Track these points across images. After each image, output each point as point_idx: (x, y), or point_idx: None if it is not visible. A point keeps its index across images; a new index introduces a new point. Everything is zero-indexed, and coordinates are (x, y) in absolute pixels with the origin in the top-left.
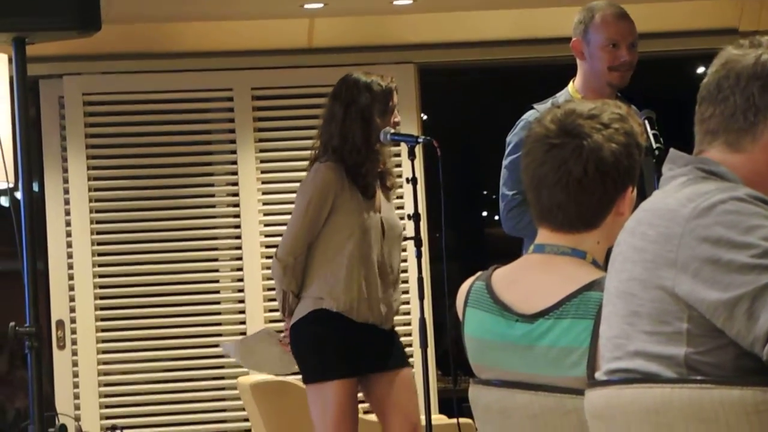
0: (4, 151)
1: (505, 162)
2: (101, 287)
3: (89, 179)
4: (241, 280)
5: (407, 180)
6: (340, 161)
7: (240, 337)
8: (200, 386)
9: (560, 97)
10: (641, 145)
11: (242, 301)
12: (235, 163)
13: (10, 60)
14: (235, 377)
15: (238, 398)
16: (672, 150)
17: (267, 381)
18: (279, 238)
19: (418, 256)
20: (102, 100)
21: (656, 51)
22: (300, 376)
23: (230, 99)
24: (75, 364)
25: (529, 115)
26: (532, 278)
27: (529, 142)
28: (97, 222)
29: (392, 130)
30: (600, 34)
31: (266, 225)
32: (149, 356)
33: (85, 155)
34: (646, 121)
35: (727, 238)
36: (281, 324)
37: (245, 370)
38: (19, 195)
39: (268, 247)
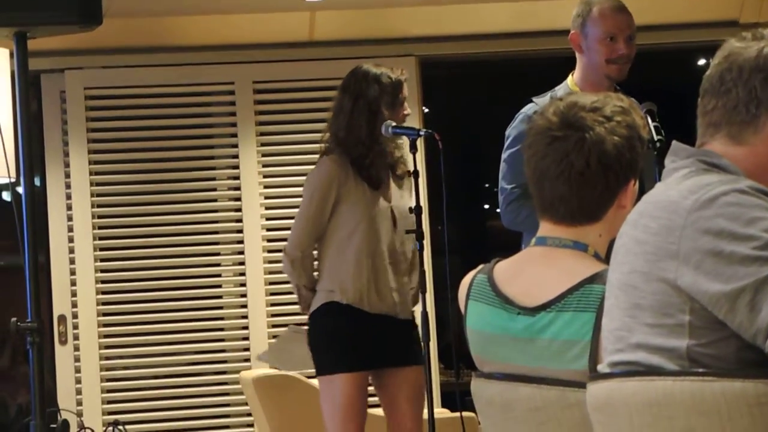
0: (5, 145)
1: (504, 155)
2: (103, 282)
3: (91, 173)
4: (242, 274)
5: (408, 173)
6: (345, 153)
7: (272, 341)
8: (202, 381)
9: (559, 90)
10: (643, 138)
11: (244, 296)
12: (236, 156)
13: (11, 54)
14: (238, 371)
15: (240, 392)
16: (674, 142)
17: (269, 375)
18: (281, 232)
19: (420, 249)
20: (103, 95)
21: (657, 43)
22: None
23: (232, 92)
24: (77, 359)
25: (527, 109)
26: (534, 271)
27: (531, 134)
28: (99, 216)
29: (393, 123)
30: (597, 28)
31: (268, 219)
32: (151, 351)
33: (86, 149)
34: (647, 114)
35: (729, 230)
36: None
37: (248, 364)
38: (20, 189)
39: (269, 240)
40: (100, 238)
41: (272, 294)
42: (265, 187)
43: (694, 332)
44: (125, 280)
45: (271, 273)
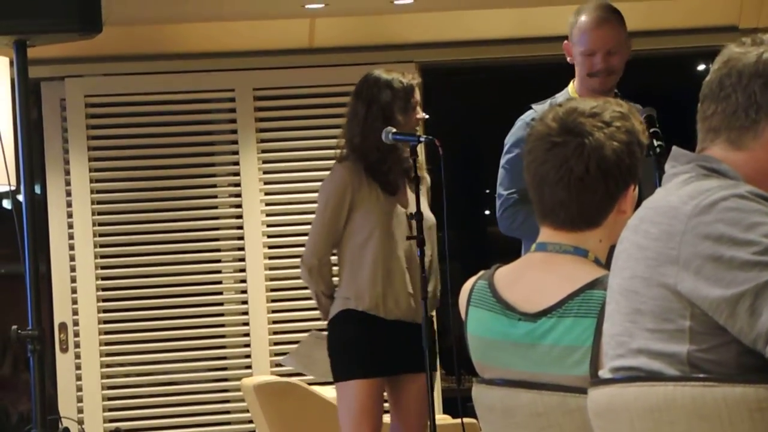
0: (6, 153)
1: (502, 161)
2: (104, 289)
3: (91, 181)
4: (244, 281)
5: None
6: (360, 160)
7: (294, 347)
8: (203, 388)
9: (559, 97)
10: (643, 144)
11: (245, 302)
12: (237, 163)
13: (11, 62)
14: (239, 378)
15: (241, 399)
16: (674, 148)
17: (270, 382)
18: (281, 239)
19: (421, 255)
20: (104, 102)
21: (656, 48)
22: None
23: (232, 100)
24: (78, 367)
25: (526, 116)
26: (535, 277)
27: (530, 140)
28: (100, 224)
29: (394, 130)
30: (578, 42)
31: (269, 225)
32: (152, 358)
33: (87, 157)
34: (646, 120)
35: (729, 235)
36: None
37: (249, 371)
38: (21, 197)
39: (270, 247)
40: (101, 246)
41: (273, 301)
42: (266, 193)
43: (694, 337)
44: (126, 287)
45: (272, 280)
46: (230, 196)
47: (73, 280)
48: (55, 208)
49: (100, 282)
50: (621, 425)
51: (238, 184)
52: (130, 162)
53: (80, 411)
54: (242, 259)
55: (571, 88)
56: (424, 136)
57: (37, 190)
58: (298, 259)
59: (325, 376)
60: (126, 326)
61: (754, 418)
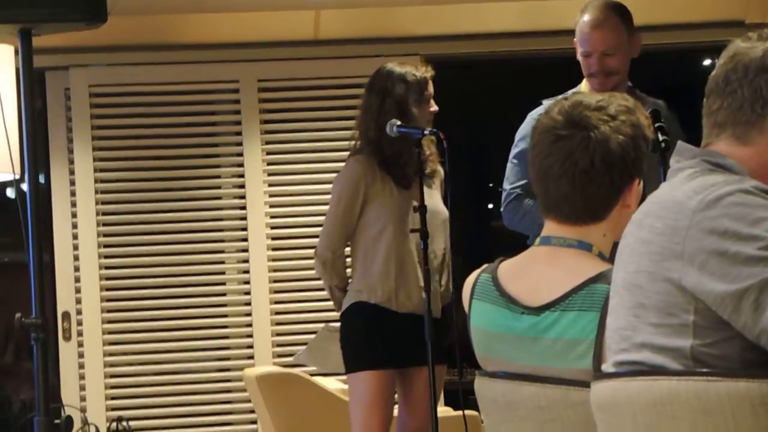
0: (10, 142)
1: (510, 155)
2: (107, 279)
3: (95, 171)
4: (246, 271)
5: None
6: (376, 153)
7: (308, 342)
8: (206, 378)
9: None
10: (648, 138)
11: (248, 293)
12: (241, 155)
13: (16, 51)
14: (241, 369)
15: (243, 390)
16: (679, 142)
17: (272, 373)
18: (285, 230)
19: (424, 248)
20: (108, 92)
21: (662, 43)
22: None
23: (236, 91)
24: (81, 355)
25: (536, 111)
26: (539, 270)
27: (536, 133)
28: (103, 213)
29: (398, 123)
30: (578, 42)
31: (272, 217)
32: (155, 348)
33: (91, 147)
34: (652, 114)
35: (734, 230)
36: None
37: (251, 361)
38: (25, 187)
39: (273, 239)
40: (104, 235)
41: (276, 292)
42: (270, 185)
43: (698, 332)
44: (129, 276)
45: (274, 271)
46: (234, 187)
47: (77, 269)
48: (59, 198)
49: (103, 271)
50: (624, 419)
51: (241, 175)
52: (133, 152)
53: (83, 399)
54: (245, 250)
55: (584, 85)
56: (429, 129)
57: (41, 179)
58: (302, 250)
59: (339, 368)
60: (129, 315)
61: (757, 413)
